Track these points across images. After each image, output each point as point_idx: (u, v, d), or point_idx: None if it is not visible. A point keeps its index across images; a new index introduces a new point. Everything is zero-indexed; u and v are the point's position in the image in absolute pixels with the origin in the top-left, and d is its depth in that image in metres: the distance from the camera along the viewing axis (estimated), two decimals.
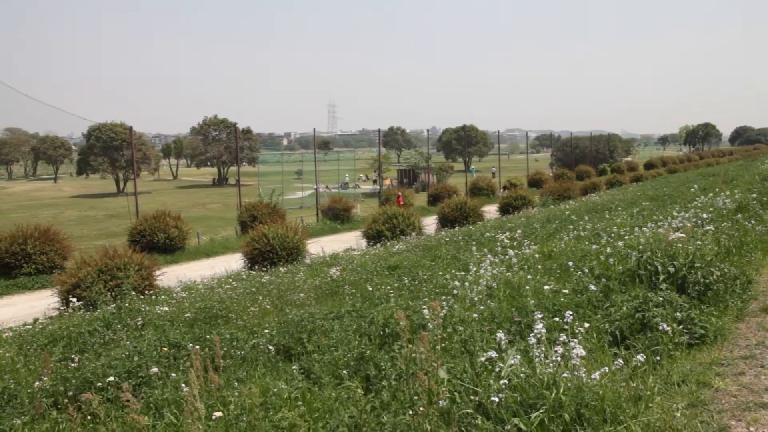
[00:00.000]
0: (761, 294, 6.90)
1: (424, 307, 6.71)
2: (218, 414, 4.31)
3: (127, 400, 3.43)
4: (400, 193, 36.52)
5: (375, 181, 60.49)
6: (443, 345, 5.66)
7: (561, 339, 4.68)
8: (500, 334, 4.71)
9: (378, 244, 18.79)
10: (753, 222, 10.74)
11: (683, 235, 8.21)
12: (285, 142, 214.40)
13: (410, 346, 5.10)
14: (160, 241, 21.92)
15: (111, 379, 5.49)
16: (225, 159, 79.07)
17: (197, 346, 6.26)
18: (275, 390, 4.95)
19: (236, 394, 4.76)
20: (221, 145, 79.10)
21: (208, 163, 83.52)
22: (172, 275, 15.74)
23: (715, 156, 78.63)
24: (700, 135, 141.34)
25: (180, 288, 12.84)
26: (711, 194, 15.55)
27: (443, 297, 7.67)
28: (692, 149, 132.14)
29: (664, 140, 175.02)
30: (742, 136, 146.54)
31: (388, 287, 9.22)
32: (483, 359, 4.48)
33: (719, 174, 27.85)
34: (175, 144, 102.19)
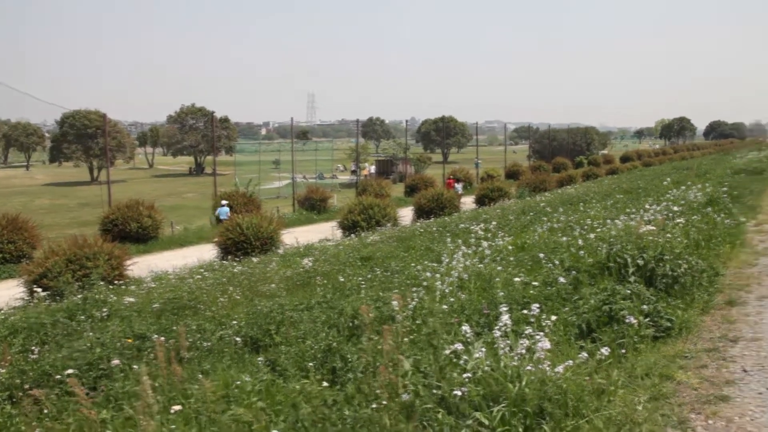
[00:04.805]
0: (727, 287, 6.96)
1: (394, 298, 6.67)
2: (177, 407, 4.22)
3: (76, 394, 3.32)
4: (452, 177, 37.39)
5: (353, 172, 60.31)
6: (411, 337, 5.63)
7: (528, 332, 4.67)
8: (466, 327, 4.66)
9: (353, 235, 18.72)
10: (722, 215, 10.87)
11: (654, 228, 8.26)
12: (263, 131, 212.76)
13: (377, 338, 5.05)
14: (133, 231, 21.62)
15: (70, 371, 5.36)
16: (202, 148, 78.21)
17: (162, 338, 6.15)
18: (239, 383, 4.87)
19: (196, 387, 4.66)
20: (198, 134, 78.18)
21: (185, 152, 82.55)
22: (143, 265, 15.52)
23: (689, 150, 79.60)
24: (676, 129, 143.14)
25: (151, 278, 12.66)
26: (683, 187, 15.70)
27: (414, 288, 7.62)
28: (668, 143, 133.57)
29: (640, 133, 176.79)
30: (716, 130, 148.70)
31: (360, 278, 9.15)
32: (448, 352, 4.44)
33: (692, 168, 28.17)
34: (152, 132, 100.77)
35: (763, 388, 4.36)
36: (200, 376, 5.37)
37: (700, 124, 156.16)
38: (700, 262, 7.21)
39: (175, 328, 6.84)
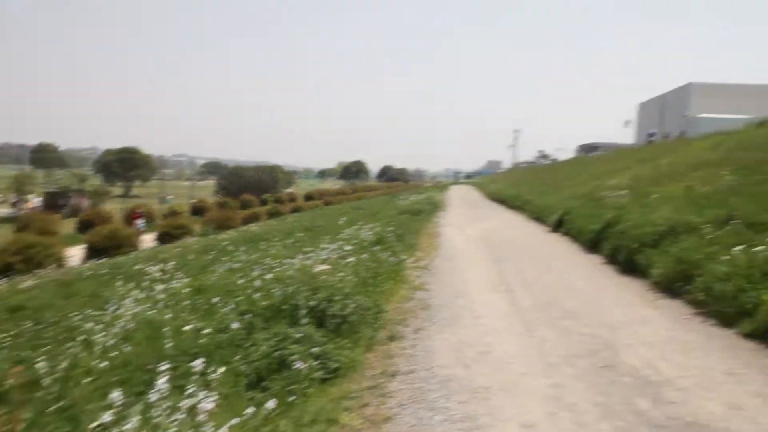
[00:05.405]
0: (389, 322, 7.46)
1: (41, 358, 5.72)
2: None
3: None
4: (141, 211, 35.12)
5: (14, 204, 52.84)
6: (61, 404, 4.82)
7: (191, 390, 4.30)
8: (117, 393, 4.09)
9: (5, 280, 16.06)
10: (388, 253, 11.85)
11: (328, 267, 8.59)
12: None
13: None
14: None
15: None
16: None
17: None
18: None
19: None
20: None
21: None
22: None
23: (365, 190, 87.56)
24: (354, 171, 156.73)
25: None
26: (356, 226, 16.88)
27: (71, 343, 6.67)
28: (347, 183, 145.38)
29: (323, 174, 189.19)
30: (386, 173, 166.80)
31: (4, 334, 7.74)
32: (95, 425, 3.83)
33: (366, 208, 30.79)
34: None
35: (414, 420, 4.65)
36: None
37: (375, 167, 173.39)
38: (367, 300, 7.64)
39: None
